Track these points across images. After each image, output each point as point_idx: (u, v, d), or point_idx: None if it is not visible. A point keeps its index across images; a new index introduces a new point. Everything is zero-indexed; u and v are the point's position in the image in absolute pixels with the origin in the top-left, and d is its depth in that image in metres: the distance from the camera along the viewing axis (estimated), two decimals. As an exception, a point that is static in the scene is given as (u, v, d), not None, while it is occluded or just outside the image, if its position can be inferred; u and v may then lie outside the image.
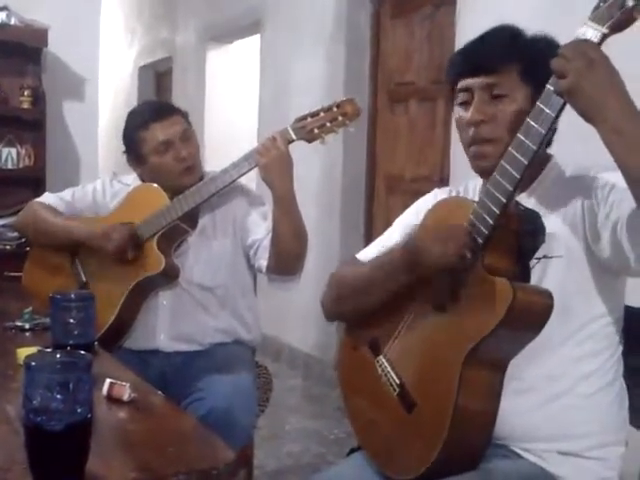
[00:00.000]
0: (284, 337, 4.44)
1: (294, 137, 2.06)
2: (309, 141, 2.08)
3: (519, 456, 1.37)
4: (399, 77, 3.97)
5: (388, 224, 1.68)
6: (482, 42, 1.43)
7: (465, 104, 1.43)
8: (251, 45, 5.38)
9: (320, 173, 4.08)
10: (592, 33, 1.15)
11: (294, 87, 4.46)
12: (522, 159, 1.23)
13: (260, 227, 2.18)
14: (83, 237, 2.23)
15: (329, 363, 4.01)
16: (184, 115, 2.28)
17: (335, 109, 2.05)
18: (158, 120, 2.21)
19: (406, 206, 1.68)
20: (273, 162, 2.03)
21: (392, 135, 4.01)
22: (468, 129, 1.41)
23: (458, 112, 1.45)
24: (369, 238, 1.60)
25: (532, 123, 1.22)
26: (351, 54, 4.09)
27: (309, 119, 2.06)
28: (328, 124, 2.05)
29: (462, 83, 1.43)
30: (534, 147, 1.22)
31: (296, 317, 4.33)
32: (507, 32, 1.43)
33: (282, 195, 2.04)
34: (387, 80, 4.05)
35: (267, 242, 2.13)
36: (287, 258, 2.10)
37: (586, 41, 1.15)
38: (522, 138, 1.24)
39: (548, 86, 1.20)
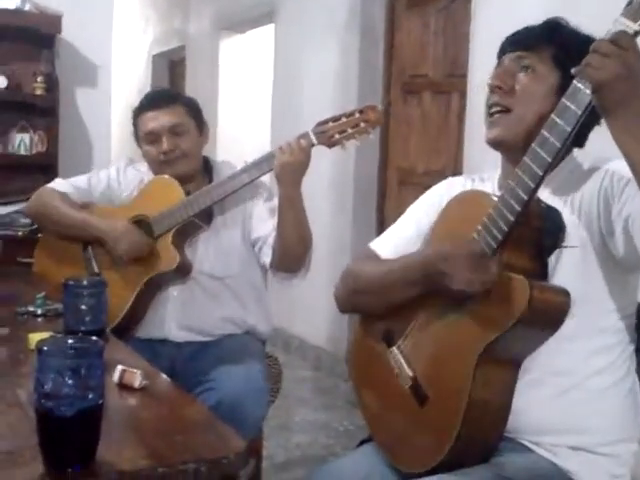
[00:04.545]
0: (295, 329, 4.44)
1: (315, 142, 2.04)
2: (329, 146, 2.06)
3: (529, 450, 1.36)
4: (413, 69, 3.94)
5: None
6: (529, 26, 1.45)
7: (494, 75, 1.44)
8: (265, 35, 5.37)
9: (332, 165, 4.06)
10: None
11: (308, 78, 4.44)
12: (546, 156, 1.22)
13: (266, 223, 2.17)
14: (96, 233, 2.22)
15: (339, 355, 4.01)
16: (188, 106, 2.27)
17: (357, 115, 2.03)
18: (151, 109, 2.23)
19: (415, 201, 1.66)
20: (294, 163, 2.01)
21: (405, 128, 3.99)
22: (491, 96, 1.43)
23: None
24: (381, 231, 1.59)
25: (557, 120, 1.21)
26: (365, 45, 4.07)
27: (330, 124, 2.04)
28: (350, 130, 2.03)
29: (501, 59, 1.45)
30: (558, 145, 1.21)
31: (307, 310, 4.32)
32: (552, 19, 1.45)
33: (290, 196, 2.04)
34: (401, 72, 4.02)
35: (271, 239, 2.13)
36: (289, 258, 2.11)
37: (624, 37, 1.13)
38: (546, 135, 1.22)
39: (575, 82, 1.19)
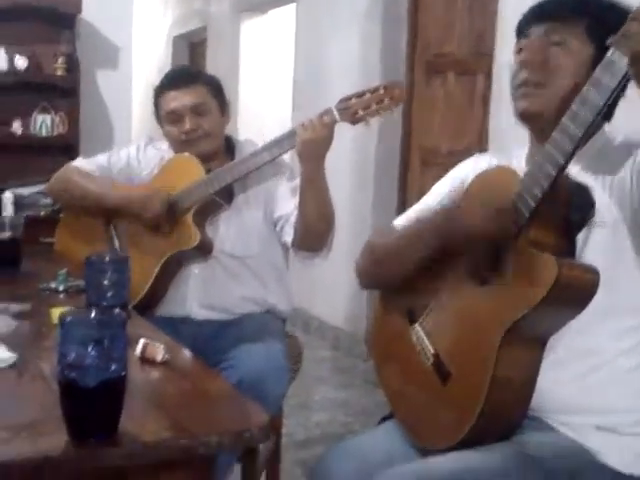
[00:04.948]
0: (314, 309, 4.44)
1: (338, 119, 2.02)
2: (353, 123, 2.04)
3: (553, 429, 1.34)
4: (437, 48, 3.90)
5: (422, 198, 1.64)
6: None
7: (520, 50, 1.40)
8: (286, 15, 5.33)
9: (354, 145, 4.04)
10: None
11: (330, 57, 4.41)
12: (576, 131, 1.18)
13: (288, 202, 2.16)
14: (119, 203, 2.23)
15: (358, 336, 4.01)
16: (210, 85, 2.26)
17: (382, 91, 2.00)
18: (173, 89, 2.22)
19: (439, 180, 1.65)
20: (316, 140, 1.99)
21: (428, 108, 3.95)
22: (519, 72, 1.39)
23: (514, 59, 1.41)
24: (402, 212, 1.58)
25: (589, 93, 1.17)
26: (388, 24, 4.03)
27: (354, 100, 2.01)
28: (374, 106, 2.00)
29: (526, 32, 1.40)
30: (590, 118, 1.17)
31: (327, 290, 4.32)
32: None
33: (312, 174, 2.02)
34: (425, 51, 3.98)
35: (293, 218, 2.12)
36: (311, 237, 2.10)
37: None
38: (578, 109, 1.18)
39: (610, 53, 1.15)
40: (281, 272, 2.30)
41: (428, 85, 3.97)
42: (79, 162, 2.39)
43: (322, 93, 4.23)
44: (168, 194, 2.17)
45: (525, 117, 1.40)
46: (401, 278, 1.51)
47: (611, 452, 1.31)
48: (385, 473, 1.31)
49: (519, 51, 1.40)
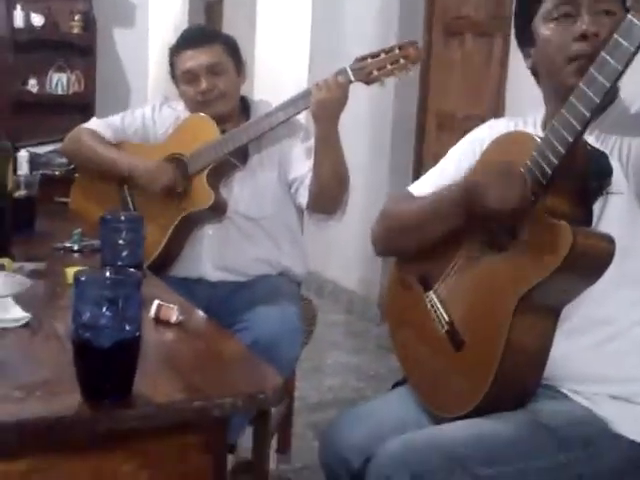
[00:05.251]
0: (328, 273, 4.44)
1: (352, 78, 1.99)
2: (367, 83, 2.01)
3: (567, 397, 1.34)
4: (456, 10, 3.83)
5: (438, 163, 1.62)
6: None
7: (566, 17, 1.32)
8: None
9: (369, 107, 4.00)
10: None
11: (347, 16, 4.35)
12: (594, 97, 1.15)
13: (303, 163, 2.14)
14: (128, 171, 2.23)
15: (372, 299, 4.01)
16: (226, 44, 2.23)
17: (397, 51, 1.97)
18: (189, 48, 2.19)
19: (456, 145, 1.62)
20: (330, 100, 1.97)
21: (446, 70, 3.90)
22: (570, 44, 1.31)
23: (553, 28, 1.34)
24: (418, 176, 1.56)
25: (608, 58, 1.13)
26: (407, -15, 3.96)
27: (369, 60, 1.99)
28: (389, 66, 1.97)
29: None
30: (607, 84, 1.14)
31: (341, 254, 4.32)
32: None
33: (327, 135, 2.01)
34: (443, 13, 3.91)
35: (308, 180, 2.11)
36: (326, 198, 2.09)
37: None
38: (595, 74, 1.15)
39: (630, 17, 1.11)
40: (295, 234, 2.29)
41: (446, 47, 3.91)
42: (93, 123, 2.38)
43: (339, 53, 4.17)
44: (177, 164, 2.16)
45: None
46: (417, 247, 1.50)
47: (625, 421, 1.31)
48: (397, 439, 1.31)
49: (564, 17, 1.32)
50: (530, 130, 1.45)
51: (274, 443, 2.24)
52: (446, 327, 1.41)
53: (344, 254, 4.28)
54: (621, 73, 1.14)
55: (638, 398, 1.32)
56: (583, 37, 1.29)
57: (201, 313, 1.51)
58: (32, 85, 4.16)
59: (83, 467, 1.04)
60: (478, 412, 1.31)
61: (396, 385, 1.57)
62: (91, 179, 2.37)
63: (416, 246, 1.50)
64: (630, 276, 1.31)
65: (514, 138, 1.40)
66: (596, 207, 1.29)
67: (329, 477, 1.47)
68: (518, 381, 1.32)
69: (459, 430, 1.30)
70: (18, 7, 4.01)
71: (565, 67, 1.33)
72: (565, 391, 1.34)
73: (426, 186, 1.55)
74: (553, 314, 1.30)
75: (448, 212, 1.39)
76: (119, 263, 1.50)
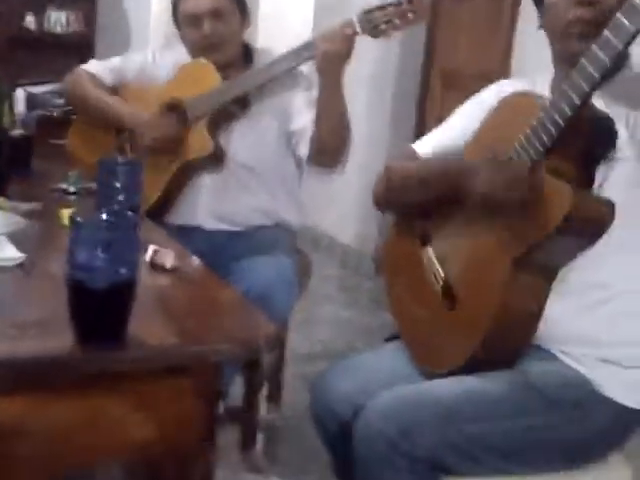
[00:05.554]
0: (324, 226, 4.44)
1: (359, 31, 1.95)
2: (374, 37, 1.97)
3: (556, 358, 1.35)
4: (466, -35, 3.76)
5: (441, 121, 1.61)
6: None
7: None
8: None
9: (373, 63, 3.95)
10: None
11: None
12: (605, 59, 1.14)
13: (304, 115, 2.12)
14: (124, 119, 2.20)
15: (366, 253, 4.02)
16: None
17: (405, 5, 1.94)
18: None
19: (462, 104, 1.60)
20: (336, 51, 1.94)
21: (453, 27, 3.83)
22: (571, 8, 1.30)
23: None
24: (419, 134, 1.55)
25: (623, 19, 1.11)
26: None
27: (377, 12, 1.94)
28: (396, 20, 1.94)
29: None
30: (620, 47, 1.12)
31: (337, 207, 4.31)
32: None
33: (331, 87, 1.98)
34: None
35: (309, 132, 2.08)
36: (327, 152, 2.07)
37: None
38: (609, 36, 1.13)
39: None
40: (292, 186, 2.28)
41: (453, 2, 3.84)
42: (92, 66, 2.34)
43: (345, 2, 4.11)
44: (173, 119, 2.14)
45: (574, 58, 1.29)
46: (417, 207, 1.50)
47: (615, 385, 1.32)
48: (387, 393, 1.32)
49: None
50: (538, 90, 1.44)
51: (264, 392, 2.26)
52: (441, 283, 1.42)
53: (341, 208, 4.27)
54: (634, 35, 1.12)
55: (628, 362, 1.33)
56: (582, 2, 1.29)
57: (197, 260, 1.51)
58: (29, 21, 4.08)
59: (77, 407, 1.04)
60: (468, 369, 1.33)
61: (387, 340, 1.58)
62: (89, 123, 2.34)
63: (417, 205, 1.50)
64: (630, 242, 1.32)
65: (521, 99, 1.40)
66: (600, 172, 1.29)
67: (318, 428, 1.49)
68: (509, 340, 1.34)
69: (449, 387, 1.32)
70: (17, -59, 3.93)
71: (565, 31, 1.33)
72: (555, 351, 1.35)
73: (430, 145, 1.56)
74: (549, 275, 1.31)
75: (446, 188, 1.42)
76: (115, 207, 1.49)
